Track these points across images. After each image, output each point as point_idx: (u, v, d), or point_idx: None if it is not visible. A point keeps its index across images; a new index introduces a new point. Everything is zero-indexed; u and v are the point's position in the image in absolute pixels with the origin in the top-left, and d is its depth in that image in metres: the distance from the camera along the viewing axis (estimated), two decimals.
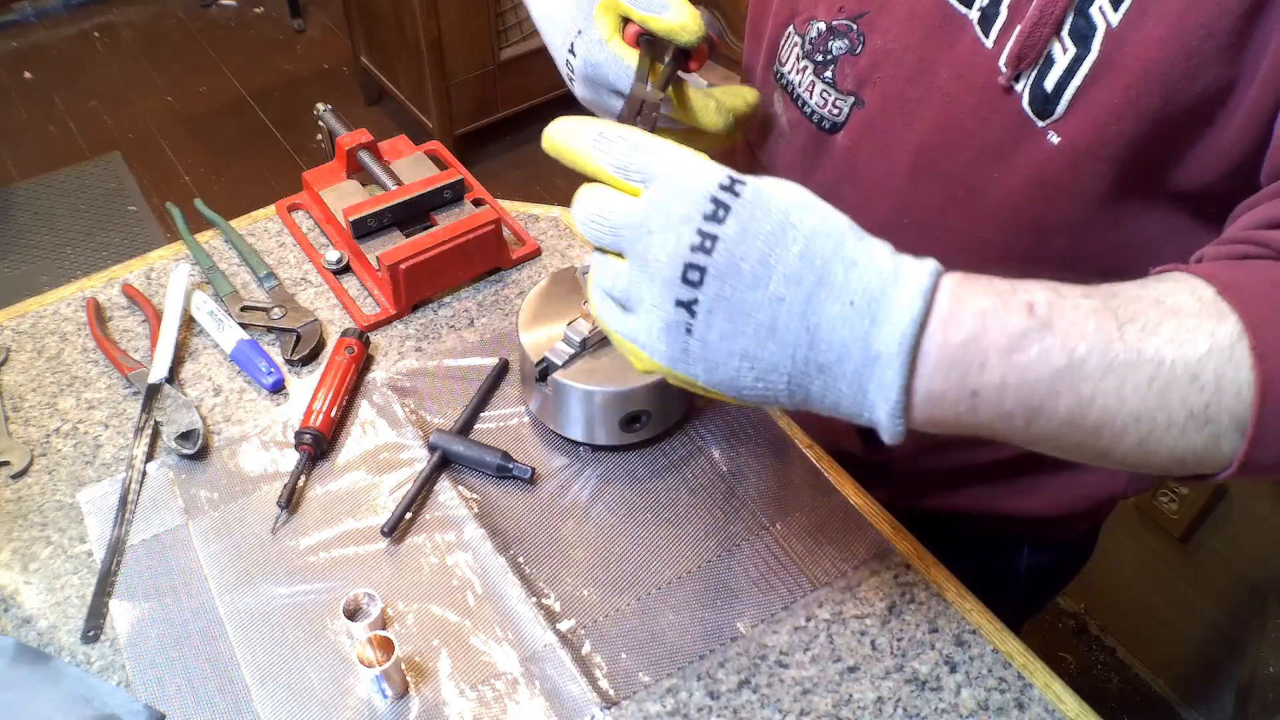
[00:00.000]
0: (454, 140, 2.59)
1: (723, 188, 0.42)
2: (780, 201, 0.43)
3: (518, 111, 2.66)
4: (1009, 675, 0.66)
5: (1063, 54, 0.55)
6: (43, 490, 0.76)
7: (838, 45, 0.64)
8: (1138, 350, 0.43)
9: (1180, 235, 0.61)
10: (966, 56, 0.59)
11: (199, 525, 0.74)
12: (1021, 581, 0.93)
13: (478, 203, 0.96)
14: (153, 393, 0.81)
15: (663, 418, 0.77)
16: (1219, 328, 0.43)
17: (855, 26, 0.63)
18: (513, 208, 1.01)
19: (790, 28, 0.68)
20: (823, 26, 0.65)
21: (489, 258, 0.93)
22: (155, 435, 0.79)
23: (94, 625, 0.68)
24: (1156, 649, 1.69)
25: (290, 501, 0.74)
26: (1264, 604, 1.45)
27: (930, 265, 0.43)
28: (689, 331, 0.43)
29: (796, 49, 0.67)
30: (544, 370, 0.74)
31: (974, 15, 0.58)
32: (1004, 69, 0.57)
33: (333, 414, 0.78)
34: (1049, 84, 0.56)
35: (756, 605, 0.69)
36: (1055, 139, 0.57)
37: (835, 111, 0.66)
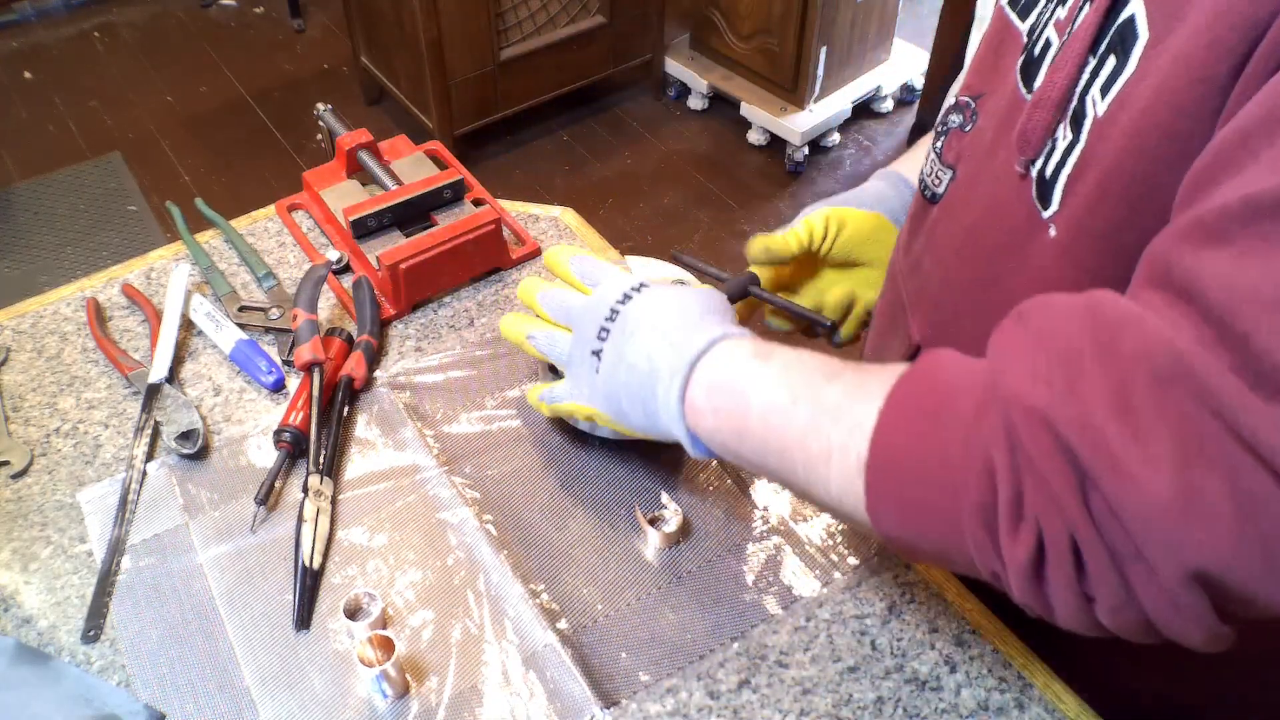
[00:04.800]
0: (454, 140, 2.58)
1: (618, 301, 0.64)
2: (636, 311, 0.63)
3: (518, 111, 2.66)
4: (1009, 675, 0.66)
5: (1062, 140, 0.53)
6: (43, 490, 0.76)
7: (954, 119, 0.65)
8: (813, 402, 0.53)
9: None
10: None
11: (199, 525, 0.74)
12: None
13: (478, 203, 0.96)
14: (153, 392, 0.81)
15: None
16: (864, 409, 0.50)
17: (973, 104, 0.64)
18: (513, 208, 1.01)
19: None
20: (952, 101, 0.66)
21: (489, 258, 0.93)
22: (155, 435, 0.79)
23: (94, 625, 0.68)
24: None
25: (268, 498, 0.74)
26: None
27: (712, 332, 0.60)
28: (597, 371, 0.64)
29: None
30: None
31: (1031, 97, 0.56)
32: (1019, 153, 0.56)
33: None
34: (1048, 171, 0.54)
35: (756, 605, 0.69)
36: (1053, 233, 0.54)
37: (936, 182, 0.67)
